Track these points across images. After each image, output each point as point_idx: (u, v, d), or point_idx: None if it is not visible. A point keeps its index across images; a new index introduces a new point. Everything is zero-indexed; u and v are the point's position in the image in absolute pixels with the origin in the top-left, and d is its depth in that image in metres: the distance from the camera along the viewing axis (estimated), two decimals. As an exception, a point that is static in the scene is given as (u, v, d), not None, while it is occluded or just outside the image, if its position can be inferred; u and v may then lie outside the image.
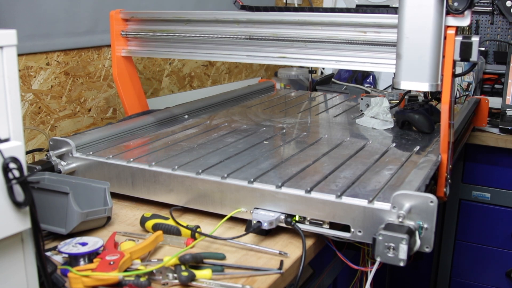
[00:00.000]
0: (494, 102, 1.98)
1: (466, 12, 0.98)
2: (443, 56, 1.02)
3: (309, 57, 1.26)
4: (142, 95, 1.62)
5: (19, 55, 1.44)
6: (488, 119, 1.85)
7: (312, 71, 2.35)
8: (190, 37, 1.41)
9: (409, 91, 1.91)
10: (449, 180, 1.12)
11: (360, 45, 1.18)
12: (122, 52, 1.52)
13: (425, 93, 1.95)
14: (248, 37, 1.32)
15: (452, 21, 1.00)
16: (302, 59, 1.27)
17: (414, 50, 1.02)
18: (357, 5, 2.57)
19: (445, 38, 1.01)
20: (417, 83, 1.03)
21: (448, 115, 1.06)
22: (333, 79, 2.41)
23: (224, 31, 1.36)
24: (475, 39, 1.00)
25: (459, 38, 1.01)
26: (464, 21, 1.00)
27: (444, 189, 1.11)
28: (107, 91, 1.75)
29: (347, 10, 1.23)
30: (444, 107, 1.05)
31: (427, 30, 1.00)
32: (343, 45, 1.20)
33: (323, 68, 2.64)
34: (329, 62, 1.25)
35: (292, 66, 2.54)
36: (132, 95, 1.58)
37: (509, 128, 1.85)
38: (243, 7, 1.38)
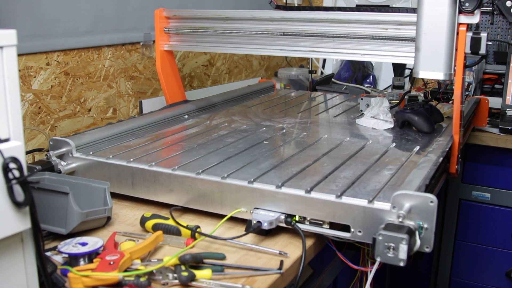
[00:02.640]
0: (494, 102, 1.98)
1: (476, 11, 1.14)
2: (456, 50, 1.18)
3: (337, 50, 1.41)
4: (182, 86, 1.77)
5: (19, 55, 1.44)
6: (488, 119, 1.85)
7: (312, 71, 2.35)
8: (228, 33, 1.56)
9: (409, 91, 1.91)
10: (460, 159, 1.28)
11: (382, 40, 1.33)
12: (165, 46, 1.67)
13: (425, 93, 1.95)
14: (282, 33, 1.47)
15: (464, 19, 1.17)
16: (330, 52, 1.43)
17: (431, 44, 1.17)
18: (357, 5, 2.57)
19: (457, 34, 1.18)
20: (433, 73, 1.18)
21: (460, 100, 1.22)
22: (333, 79, 2.41)
23: (260, 28, 1.51)
24: (483, 35, 1.18)
25: (470, 34, 1.18)
26: (474, 19, 1.15)
27: (456, 166, 1.28)
28: (107, 91, 1.75)
29: (371, 10, 1.37)
30: (456, 92, 1.22)
31: (442, 27, 1.15)
32: (367, 40, 1.35)
33: (323, 68, 2.64)
34: (354, 55, 1.39)
35: (292, 66, 2.54)
36: (174, 86, 1.72)
37: (509, 128, 1.85)
38: (278, 7, 1.55)
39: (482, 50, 1.18)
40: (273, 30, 1.48)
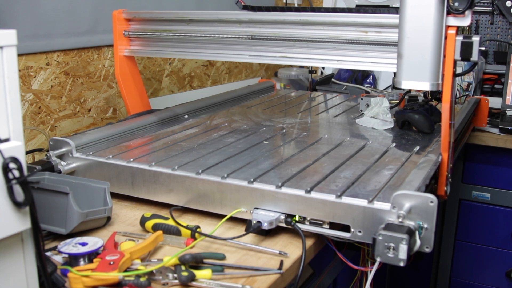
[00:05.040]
0: (494, 102, 1.98)
1: (466, 12, 0.99)
2: (444, 56, 1.03)
3: (311, 56, 1.27)
4: (145, 95, 1.63)
5: (19, 55, 1.44)
6: (488, 119, 1.85)
7: (312, 71, 2.35)
8: (192, 37, 1.43)
9: (409, 91, 1.91)
10: (450, 179, 1.12)
11: (361, 44, 1.19)
12: (124, 52, 1.54)
13: (425, 93, 1.95)
14: (250, 37, 1.33)
15: (453, 21, 1.01)
16: (303, 58, 1.28)
17: (415, 49, 1.02)
18: (357, 5, 2.57)
19: (445, 38, 1.02)
20: (418, 83, 1.03)
21: (449, 114, 1.06)
22: (333, 79, 2.41)
23: (226, 31, 1.37)
24: (475, 39, 1.01)
25: (460, 38, 1.02)
26: (465, 21, 1.00)
27: (445, 188, 1.12)
28: (107, 91, 1.75)
29: (349, 10, 1.24)
30: (445, 106, 1.05)
31: (428, 30, 1.00)
32: (344, 45, 1.21)
33: (323, 68, 2.64)
34: (330, 61, 1.25)
35: (292, 66, 2.54)
36: (134, 95, 1.59)
37: (509, 128, 1.85)
38: (245, 7, 1.38)
39: (474, 57, 1.01)
40: (240, 33, 1.34)
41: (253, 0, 2.21)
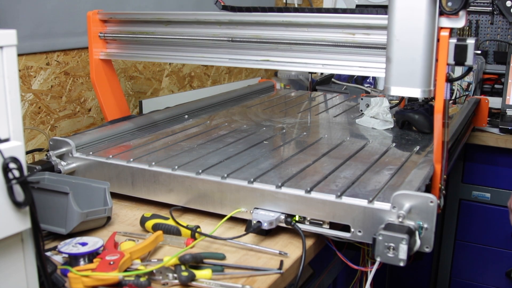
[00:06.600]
0: (494, 102, 1.98)
1: (461, 13, 0.90)
2: (436, 60, 0.94)
3: (295, 60, 1.21)
4: (122, 99, 1.57)
5: (19, 55, 1.44)
6: (488, 119, 1.85)
7: (312, 71, 2.35)
8: (170, 40, 1.37)
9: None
10: (443, 191, 1.04)
11: (348, 47, 1.13)
12: (100, 55, 1.47)
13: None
14: (230, 39, 1.26)
15: (446, 22, 0.91)
16: (287, 62, 1.22)
17: (405, 53, 0.93)
18: (357, 5, 2.57)
19: (438, 40, 0.93)
20: (408, 89, 0.94)
21: (442, 123, 0.97)
22: (333, 79, 2.41)
23: (205, 32, 1.30)
24: (470, 42, 0.91)
25: (453, 41, 0.92)
26: (459, 22, 0.91)
27: (438, 201, 1.04)
28: (107, 91, 1.75)
29: (334, 11, 1.16)
30: (437, 116, 0.95)
31: (418, 31, 0.91)
32: (330, 48, 1.15)
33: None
34: (315, 66, 1.19)
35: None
36: (110, 99, 1.53)
37: (509, 128, 1.85)
38: (225, 7, 1.28)
39: (469, 61, 0.92)
40: (220, 35, 1.27)
41: (253, 0, 2.19)
